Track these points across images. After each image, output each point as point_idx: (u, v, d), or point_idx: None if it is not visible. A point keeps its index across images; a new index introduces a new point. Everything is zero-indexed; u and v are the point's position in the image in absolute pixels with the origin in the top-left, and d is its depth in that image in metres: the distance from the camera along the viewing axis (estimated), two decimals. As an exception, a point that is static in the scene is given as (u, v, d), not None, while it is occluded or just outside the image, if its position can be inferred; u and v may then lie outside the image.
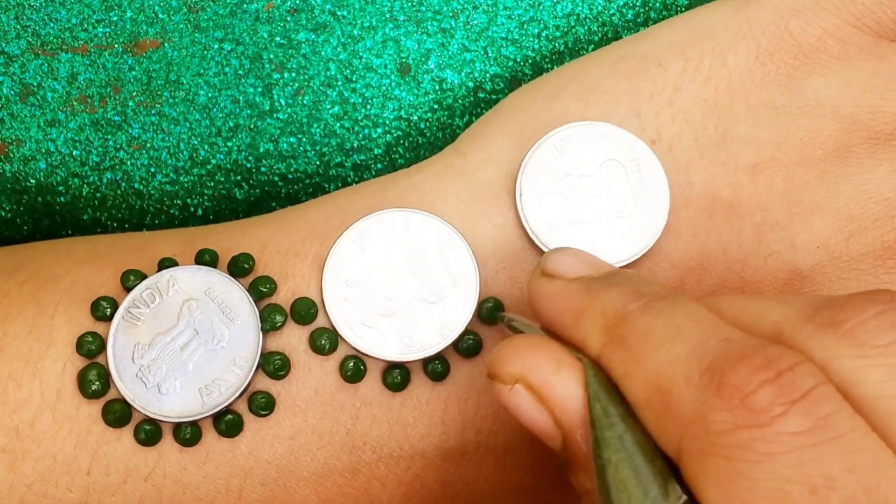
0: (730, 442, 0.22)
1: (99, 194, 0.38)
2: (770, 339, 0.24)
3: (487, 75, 0.38)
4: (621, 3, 0.38)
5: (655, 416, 0.24)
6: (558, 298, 0.28)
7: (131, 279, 0.32)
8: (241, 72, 0.37)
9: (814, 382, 0.23)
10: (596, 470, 0.25)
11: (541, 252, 0.32)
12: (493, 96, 0.39)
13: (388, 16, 0.38)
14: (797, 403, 0.22)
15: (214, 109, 0.38)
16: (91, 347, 0.31)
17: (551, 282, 0.28)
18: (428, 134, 0.39)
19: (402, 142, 0.39)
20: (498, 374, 0.27)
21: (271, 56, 0.37)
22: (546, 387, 0.26)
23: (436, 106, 0.38)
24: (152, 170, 0.38)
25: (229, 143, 0.38)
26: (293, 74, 0.38)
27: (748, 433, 0.22)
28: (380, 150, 0.39)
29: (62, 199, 0.38)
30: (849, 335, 0.23)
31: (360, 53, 0.38)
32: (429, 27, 0.38)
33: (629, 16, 0.38)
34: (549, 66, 0.39)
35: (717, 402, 0.23)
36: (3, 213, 0.38)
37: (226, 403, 0.31)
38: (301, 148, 0.38)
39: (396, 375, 0.31)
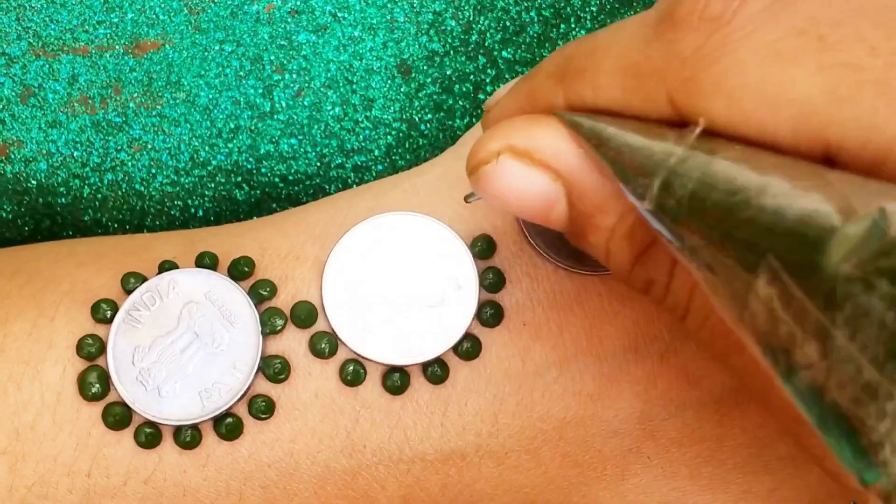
0: (706, 52, 0.22)
1: (100, 195, 0.38)
2: None
3: (488, 77, 0.39)
4: (608, 7, 0.38)
5: (638, 96, 0.24)
6: (508, 104, 0.27)
7: (131, 282, 0.32)
8: (241, 73, 0.37)
9: None
10: (611, 163, 0.24)
11: (541, 255, 0.32)
12: (494, 98, 0.39)
13: (388, 17, 0.38)
14: None
15: (215, 111, 0.38)
16: (91, 350, 0.31)
17: (495, 105, 0.28)
18: (429, 135, 0.39)
19: (402, 143, 0.39)
20: (480, 158, 0.26)
21: (272, 57, 0.37)
22: (531, 140, 0.25)
23: (436, 108, 0.38)
24: (153, 171, 0.38)
25: (230, 145, 0.38)
26: (294, 76, 0.38)
27: (719, 35, 0.22)
28: (380, 152, 0.39)
29: (63, 200, 0.38)
30: None
31: (361, 55, 0.38)
32: (429, 29, 0.38)
33: (629, 17, 0.38)
34: (550, 67, 0.39)
35: (679, 34, 0.23)
36: (3, 214, 0.38)
37: (226, 406, 0.31)
38: (302, 149, 0.38)
39: (396, 379, 0.31)
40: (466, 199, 0.31)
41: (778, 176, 0.21)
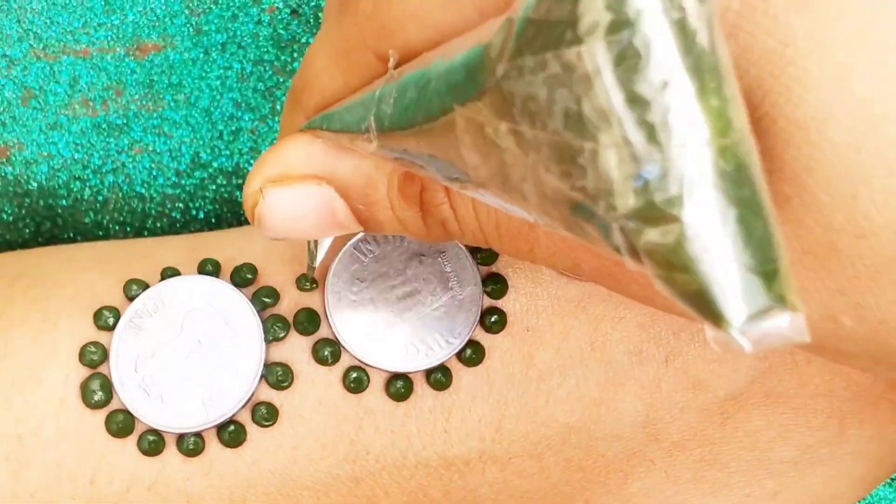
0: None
1: (101, 197, 0.38)
2: None
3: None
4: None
5: (357, 70, 0.24)
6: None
7: (134, 288, 0.32)
8: (243, 75, 0.37)
9: None
10: (347, 137, 0.24)
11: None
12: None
13: (390, 18, 0.37)
14: None
15: (216, 112, 0.38)
16: (94, 357, 0.31)
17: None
18: (430, 137, 0.39)
19: (404, 144, 0.39)
20: (249, 204, 0.26)
21: (273, 59, 0.37)
22: (281, 162, 0.25)
23: (438, 108, 0.38)
24: (154, 173, 0.38)
25: (231, 146, 0.38)
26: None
27: None
28: (382, 153, 0.39)
29: (64, 202, 0.38)
30: None
31: (363, 56, 0.38)
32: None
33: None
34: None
35: (353, 3, 0.24)
36: (4, 217, 0.38)
37: (229, 414, 0.31)
38: (303, 151, 0.38)
39: (399, 385, 0.31)
40: (310, 280, 0.32)
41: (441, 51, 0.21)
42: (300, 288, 0.32)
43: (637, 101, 0.16)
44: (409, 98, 0.21)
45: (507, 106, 0.18)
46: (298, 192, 0.25)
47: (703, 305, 0.17)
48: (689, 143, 0.16)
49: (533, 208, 0.19)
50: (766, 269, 0.17)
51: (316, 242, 0.30)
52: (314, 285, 0.32)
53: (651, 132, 0.16)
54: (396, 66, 0.23)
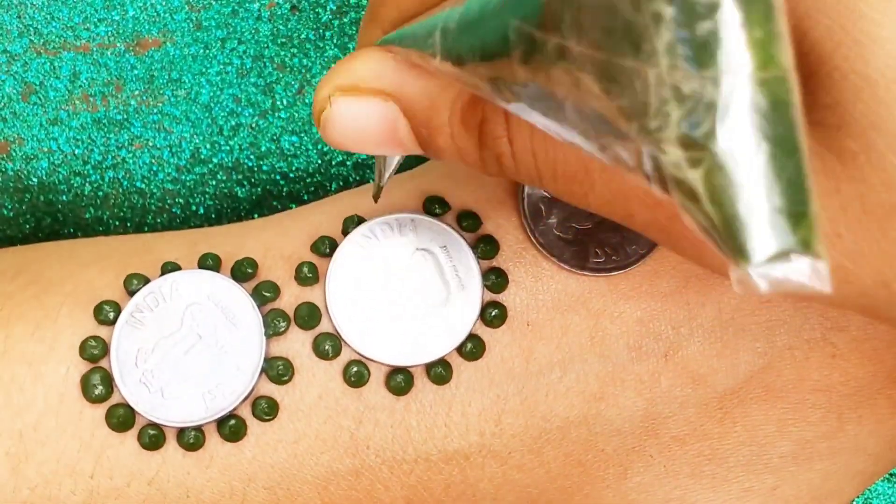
0: None
1: (101, 193, 0.38)
2: None
3: (489, 74, 0.38)
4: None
5: None
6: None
7: (134, 283, 0.32)
8: (243, 70, 0.37)
9: None
10: (416, 50, 0.24)
11: (544, 256, 0.32)
12: (496, 95, 0.39)
13: (390, 14, 0.38)
14: None
15: (216, 108, 0.38)
16: (94, 352, 0.31)
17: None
18: (430, 132, 0.39)
19: (404, 140, 0.39)
20: (316, 109, 0.26)
21: (273, 55, 0.37)
22: (352, 74, 0.26)
23: (438, 104, 0.38)
24: (154, 168, 0.38)
25: (231, 142, 0.38)
26: (295, 73, 0.38)
27: None
28: (382, 149, 0.39)
29: (64, 197, 0.38)
30: None
31: (362, 52, 0.38)
32: (431, 25, 0.38)
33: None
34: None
35: None
36: (5, 212, 0.38)
37: (229, 408, 0.31)
38: (303, 147, 0.38)
39: (400, 380, 0.31)
40: (375, 198, 0.31)
41: None
42: (300, 282, 0.32)
43: (684, 22, 0.16)
44: (472, 13, 0.21)
45: (557, 21, 0.18)
46: (365, 104, 0.26)
47: (726, 240, 0.16)
48: (727, 72, 0.16)
49: (573, 126, 0.19)
50: (794, 211, 0.16)
51: (385, 161, 0.30)
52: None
53: (692, 55, 0.16)
54: None
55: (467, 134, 0.26)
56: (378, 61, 0.26)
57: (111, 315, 0.31)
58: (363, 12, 0.37)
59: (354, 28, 0.37)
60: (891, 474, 0.42)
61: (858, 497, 0.42)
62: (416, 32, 0.24)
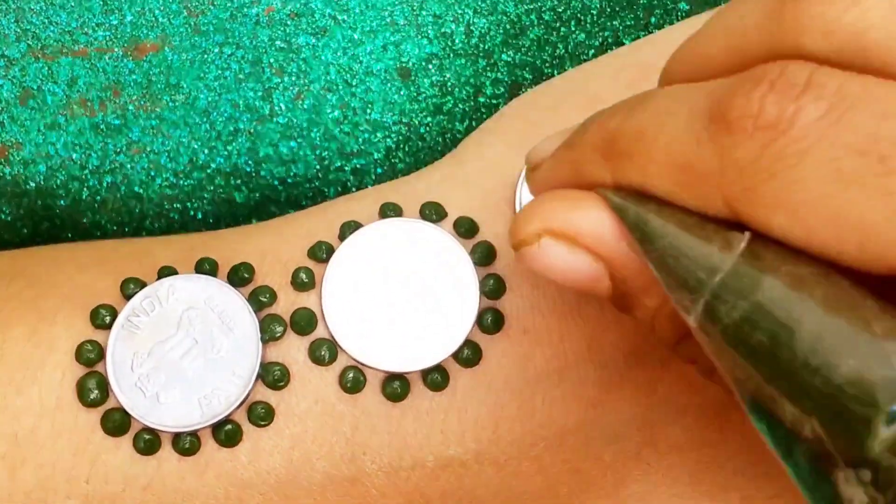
0: (765, 164, 0.22)
1: (99, 198, 0.38)
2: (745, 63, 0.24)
3: (488, 80, 0.38)
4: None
5: (690, 194, 0.24)
6: (553, 173, 0.27)
7: (131, 287, 0.32)
8: (241, 76, 0.37)
9: (808, 71, 0.22)
10: (655, 267, 0.24)
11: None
12: (494, 101, 0.39)
13: (388, 20, 0.37)
14: (804, 95, 0.22)
15: (214, 113, 0.38)
16: (90, 356, 0.31)
17: (539, 168, 0.28)
18: (428, 139, 0.39)
19: (402, 146, 0.39)
20: (521, 239, 0.26)
21: (271, 60, 0.37)
22: (571, 224, 0.25)
23: (436, 110, 0.38)
24: (152, 173, 0.38)
25: (229, 147, 0.38)
26: (293, 78, 0.38)
27: (777, 146, 0.22)
28: (380, 155, 0.39)
29: (62, 202, 0.38)
30: (802, 14, 0.23)
31: (361, 58, 0.38)
32: (429, 31, 0.38)
33: (629, 21, 0.38)
34: (550, 70, 0.39)
35: (734, 139, 0.23)
36: (2, 217, 0.38)
37: (225, 413, 0.31)
38: (301, 152, 0.38)
39: (396, 386, 0.31)
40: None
41: (824, 314, 0.21)
42: (297, 288, 0.32)
43: None
44: (755, 339, 0.22)
45: (875, 483, 0.20)
46: (574, 256, 0.26)
47: None
48: None
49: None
50: None
51: (520, 198, 0.31)
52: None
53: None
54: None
55: (671, 327, 0.26)
56: (600, 223, 0.25)
57: (107, 319, 0.31)
58: (361, 17, 0.37)
59: (353, 33, 0.37)
60: (890, 483, 0.42)
61: None
62: (665, 254, 0.24)
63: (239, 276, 0.32)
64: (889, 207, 0.21)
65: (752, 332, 0.22)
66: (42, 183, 0.38)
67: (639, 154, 0.25)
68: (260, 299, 0.31)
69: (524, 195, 0.32)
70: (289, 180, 0.38)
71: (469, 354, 0.32)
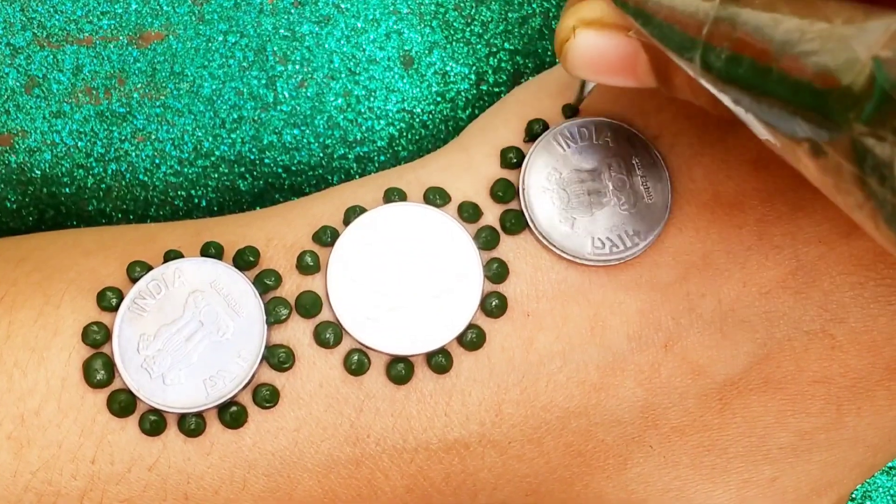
0: None
1: (104, 185, 0.38)
2: None
3: (490, 68, 0.39)
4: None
5: None
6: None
7: (137, 270, 0.32)
8: (245, 64, 0.38)
9: None
10: (659, 41, 0.25)
11: (544, 247, 0.32)
12: (496, 89, 0.39)
13: (391, 8, 0.38)
14: None
15: (219, 101, 0.38)
16: (97, 337, 0.31)
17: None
18: (431, 126, 0.39)
19: (405, 134, 0.39)
20: (560, 38, 0.27)
21: (275, 48, 0.38)
22: (598, 10, 0.27)
23: (439, 98, 0.39)
24: (157, 161, 0.38)
25: (233, 135, 0.38)
26: (297, 67, 0.38)
27: None
28: (383, 143, 0.39)
29: (67, 190, 0.38)
30: None
31: (364, 46, 0.38)
32: (432, 20, 0.38)
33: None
34: (551, 58, 0.39)
35: None
36: (8, 205, 0.38)
37: (230, 395, 0.31)
38: (305, 140, 0.38)
39: (400, 368, 0.31)
40: (576, 104, 0.33)
41: (792, 22, 0.22)
42: (302, 271, 0.32)
43: None
44: (743, 65, 0.23)
45: (858, 156, 0.20)
46: (608, 37, 0.27)
47: None
48: None
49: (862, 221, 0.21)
50: None
51: (583, 84, 0.32)
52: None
53: None
54: None
55: (706, 91, 0.27)
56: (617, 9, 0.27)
57: (114, 301, 0.31)
58: (365, 6, 0.37)
59: (356, 21, 0.38)
60: (890, 467, 0.42)
61: (858, 489, 0.42)
62: (662, 27, 0.25)
63: (244, 260, 0.32)
64: None
65: (740, 61, 0.23)
66: (47, 171, 0.38)
67: None
68: (265, 282, 0.32)
69: (528, 181, 0.33)
70: (292, 168, 0.39)
71: (473, 338, 0.32)
